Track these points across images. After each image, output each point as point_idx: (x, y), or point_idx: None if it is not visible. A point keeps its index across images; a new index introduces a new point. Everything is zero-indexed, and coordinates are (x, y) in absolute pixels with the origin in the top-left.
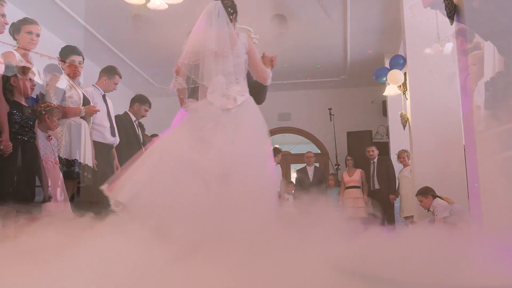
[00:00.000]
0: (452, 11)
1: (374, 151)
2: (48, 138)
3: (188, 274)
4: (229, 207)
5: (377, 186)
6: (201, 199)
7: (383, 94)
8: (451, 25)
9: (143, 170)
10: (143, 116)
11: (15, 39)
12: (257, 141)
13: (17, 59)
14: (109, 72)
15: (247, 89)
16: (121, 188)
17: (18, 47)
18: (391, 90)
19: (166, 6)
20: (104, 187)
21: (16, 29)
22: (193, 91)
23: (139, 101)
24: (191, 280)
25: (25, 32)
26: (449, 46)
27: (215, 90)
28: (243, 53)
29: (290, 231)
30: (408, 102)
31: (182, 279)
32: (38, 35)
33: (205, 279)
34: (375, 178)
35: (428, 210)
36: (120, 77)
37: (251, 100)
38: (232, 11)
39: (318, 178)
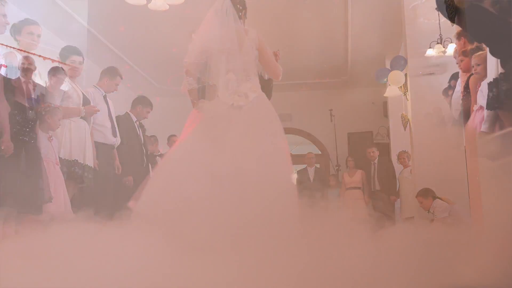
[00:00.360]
0: (453, 12)
1: (374, 152)
2: (49, 138)
3: (197, 274)
4: (243, 206)
5: (377, 187)
6: (215, 199)
7: (384, 95)
8: (452, 26)
9: (160, 178)
10: (144, 118)
11: (16, 39)
12: (271, 137)
13: (19, 60)
14: (110, 73)
15: (258, 86)
16: (142, 199)
17: (19, 48)
18: (392, 91)
19: (167, 7)
20: (131, 204)
21: (17, 30)
22: (204, 91)
23: (142, 103)
24: (199, 280)
25: (26, 32)
26: (452, 47)
27: (225, 88)
28: (253, 49)
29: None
30: (408, 103)
31: (191, 279)
32: (39, 36)
33: (214, 278)
34: (376, 179)
35: (428, 211)
36: (121, 78)
37: (263, 96)
38: (241, 7)
39: (319, 179)
